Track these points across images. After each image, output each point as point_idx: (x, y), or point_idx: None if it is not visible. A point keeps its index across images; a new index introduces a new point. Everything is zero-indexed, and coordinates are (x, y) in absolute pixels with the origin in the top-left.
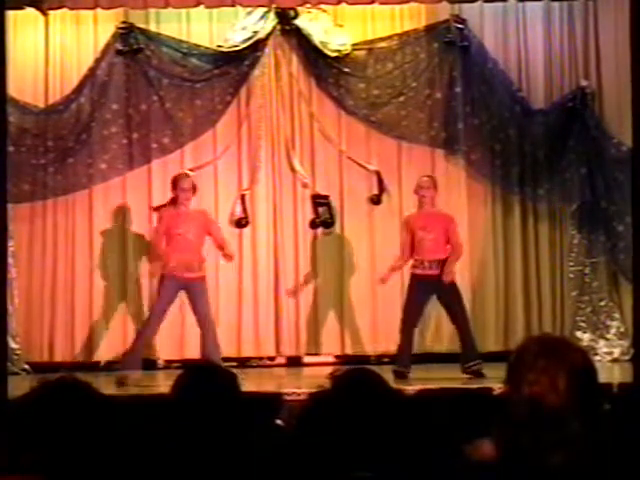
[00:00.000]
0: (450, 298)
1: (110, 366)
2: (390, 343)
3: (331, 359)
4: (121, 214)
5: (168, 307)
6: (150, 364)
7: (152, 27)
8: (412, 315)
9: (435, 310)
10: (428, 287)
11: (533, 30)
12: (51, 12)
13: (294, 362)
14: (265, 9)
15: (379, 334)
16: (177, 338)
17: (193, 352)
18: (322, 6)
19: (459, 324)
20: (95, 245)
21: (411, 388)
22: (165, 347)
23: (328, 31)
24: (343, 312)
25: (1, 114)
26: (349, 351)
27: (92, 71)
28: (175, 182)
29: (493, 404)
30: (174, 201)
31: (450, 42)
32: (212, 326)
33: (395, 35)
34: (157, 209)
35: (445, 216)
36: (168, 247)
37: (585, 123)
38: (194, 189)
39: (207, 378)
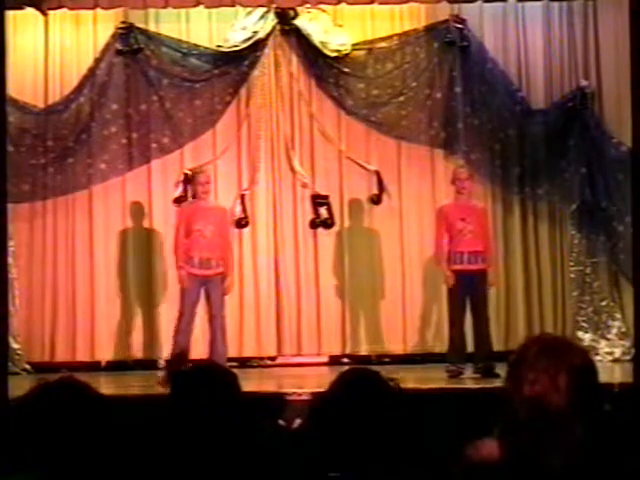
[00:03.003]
0: (481, 291)
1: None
2: (390, 343)
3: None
4: (121, 214)
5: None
6: (150, 364)
7: (152, 27)
8: (459, 313)
9: (436, 310)
10: (467, 281)
11: (533, 30)
12: (51, 12)
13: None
14: (265, 9)
15: (379, 334)
16: None
17: (193, 352)
18: (322, 6)
19: (479, 319)
20: (95, 245)
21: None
22: (165, 347)
23: (328, 31)
24: (343, 312)
25: (1, 114)
26: (349, 351)
27: (92, 71)
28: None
29: (494, 404)
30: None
31: (450, 42)
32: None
33: (395, 35)
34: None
35: (482, 209)
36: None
37: (585, 123)
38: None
39: (208, 378)
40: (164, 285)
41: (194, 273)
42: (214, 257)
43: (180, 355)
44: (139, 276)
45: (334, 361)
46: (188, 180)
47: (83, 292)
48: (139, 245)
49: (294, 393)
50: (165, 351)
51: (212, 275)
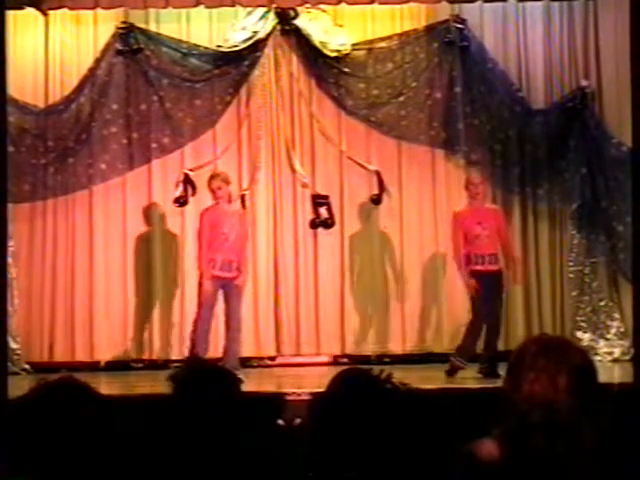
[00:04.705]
0: (497, 292)
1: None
2: (390, 343)
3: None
4: (121, 214)
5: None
6: (150, 364)
7: (152, 27)
8: (482, 315)
9: (436, 310)
10: (488, 281)
11: (533, 30)
12: (51, 12)
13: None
14: (265, 9)
15: (379, 334)
16: (178, 338)
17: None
18: (322, 6)
19: (492, 320)
20: (95, 245)
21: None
22: (165, 347)
23: (328, 31)
24: (343, 312)
25: (1, 114)
26: (348, 351)
27: (92, 71)
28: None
29: (494, 404)
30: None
31: (450, 42)
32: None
33: (395, 35)
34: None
35: (497, 210)
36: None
37: (585, 123)
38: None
39: (208, 378)
40: (164, 285)
41: (215, 275)
42: (235, 260)
43: (197, 355)
44: (139, 276)
45: (334, 361)
46: (188, 180)
47: (82, 292)
48: (139, 245)
49: (294, 393)
50: (165, 351)
51: (231, 278)
